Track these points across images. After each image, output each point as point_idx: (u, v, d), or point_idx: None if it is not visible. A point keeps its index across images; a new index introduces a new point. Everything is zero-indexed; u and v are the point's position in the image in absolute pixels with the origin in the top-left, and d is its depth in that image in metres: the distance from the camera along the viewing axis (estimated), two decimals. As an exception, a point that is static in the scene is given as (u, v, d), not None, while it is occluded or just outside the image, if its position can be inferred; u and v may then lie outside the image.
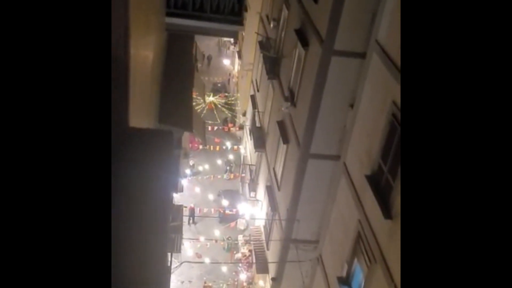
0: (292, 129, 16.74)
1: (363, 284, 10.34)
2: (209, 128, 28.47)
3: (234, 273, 22.51)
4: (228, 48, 40.79)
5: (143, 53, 7.23)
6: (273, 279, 18.25)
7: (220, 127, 30.28)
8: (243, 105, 30.61)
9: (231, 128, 31.75)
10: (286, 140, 17.34)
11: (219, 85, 36.62)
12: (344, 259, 11.36)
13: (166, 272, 10.72)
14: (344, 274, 11.32)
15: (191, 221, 24.61)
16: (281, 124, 18.15)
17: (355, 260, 10.91)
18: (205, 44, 36.77)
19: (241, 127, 30.78)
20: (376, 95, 10.37)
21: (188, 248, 22.04)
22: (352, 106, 12.27)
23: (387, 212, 9.16)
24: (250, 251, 22.50)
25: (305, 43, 15.48)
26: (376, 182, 9.84)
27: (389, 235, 9.25)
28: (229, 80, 37.71)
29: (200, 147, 27.64)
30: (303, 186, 15.87)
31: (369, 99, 10.79)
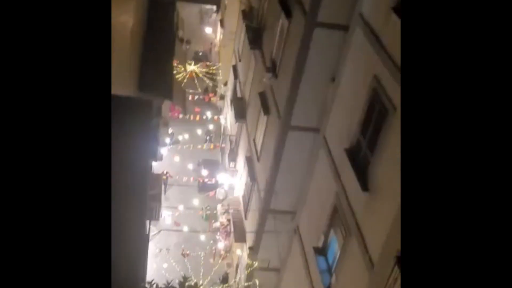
0: (273, 101, 16.72)
1: (338, 254, 10.56)
2: (190, 97, 28.24)
3: (212, 242, 22.72)
4: (211, 17, 40.19)
5: (122, 19, 7.09)
6: (250, 248, 18.49)
7: (200, 97, 30.05)
8: (225, 75, 30.37)
9: (212, 98, 31.55)
10: (266, 111, 17.33)
11: (200, 54, 36.17)
12: (320, 231, 11.55)
13: (144, 240, 10.79)
14: (320, 244, 11.53)
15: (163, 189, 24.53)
16: (262, 95, 18.11)
17: (332, 231, 11.10)
18: (187, 12, 36.16)
19: (222, 97, 30.62)
20: (358, 69, 10.39)
21: (166, 216, 22.12)
22: (333, 79, 12.29)
23: (364, 185, 9.30)
24: (228, 220, 22.68)
25: (288, 14, 15.35)
26: (355, 156, 9.95)
27: (365, 208, 9.41)
28: (210, 49, 37.27)
29: (180, 116, 27.43)
30: (283, 158, 15.96)
31: (351, 73, 10.81)
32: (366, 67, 9.83)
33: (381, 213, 8.70)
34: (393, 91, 8.60)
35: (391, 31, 8.83)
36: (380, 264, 8.40)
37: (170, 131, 27.54)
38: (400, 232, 7.75)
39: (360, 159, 9.75)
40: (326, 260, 11.24)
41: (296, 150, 15.70)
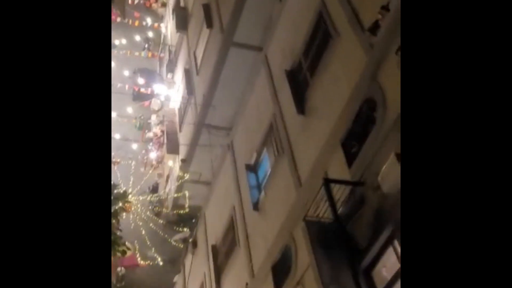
0: (217, 14, 16.29)
1: (269, 172, 10.92)
2: (130, 0, 26.94)
3: (144, 151, 22.72)
4: None
5: None
6: (182, 160, 18.70)
7: (141, 1, 28.71)
8: (168, -19, 29.03)
9: (153, 4, 30.22)
10: (210, 25, 16.92)
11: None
12: (254, 148, 11.81)
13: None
14: (252, 162, 11.83)
15: None
16: (206, 7, 17.56)
17: (264, 149, 11.38)
18: None
19: (164, 5, 29.39)
20: (306, -10, 10.24)
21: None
22: (280, -2, 12.06)
23: (300, 109, 9.48)
24: (162, 131, 22.62)
25: None
26: (294, 78, 10.04)
27: (300, 129, 9.66)
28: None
29: (118, 19, 26.23)
30: (222, 73, 15.87)
31: (299, -7, 10.65)
32: (314, -11, 9.70)
33: (314, 136, 8.99)
34: (338, 17, 8.62)
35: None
36: (308, 183, 8.79)
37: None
38: (329, 155, 8.07)
39: (299, 82, 9.86)
40: (257, 177, 11.61)
41: (236, 67, 15.60)
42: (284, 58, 10.74)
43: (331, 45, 8.76)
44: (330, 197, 6.95)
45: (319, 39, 9.26)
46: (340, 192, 7.18)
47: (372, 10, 7.37)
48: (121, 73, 24.84)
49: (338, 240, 6.91)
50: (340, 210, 7.12)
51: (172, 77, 23.04)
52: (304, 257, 8.12)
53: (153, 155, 22.75)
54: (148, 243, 17.99)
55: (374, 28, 7.37)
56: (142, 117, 23.75)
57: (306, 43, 9.77)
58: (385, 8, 7.06)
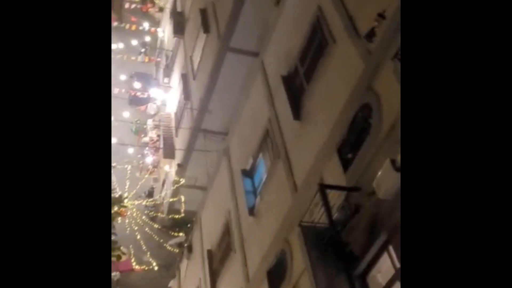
0: (214, 19, 16.36)
1: (265, 177, 10.94)
2: (127, 5, 26.97)
3: (140, 156, 22.69)
4: None
5: None
6: (179, 165, 18.70)
7: (138, 6, 28.75)
8: (165, -14, 29.11)
9: (150, 9, 30.27)
10: (206, 30, 16.97)
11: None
12: (250, 153, 11.84)
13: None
14: (248, 167, 11.86)
15: None
16: (203, 12, 17.63)
17: (260, 155, 11.41)
18: None
19: (161, 9, 29.44)
20: (303, -4, 10.31)
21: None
22: (278, 2, 12.13)
23: (296, 114, 9.53)
24: (158, 136, 22.61)
25: None
26: (290, 84, 10.09)
27: (296, 135, 9.70)
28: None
29: (115, 23, 26.25)
30: (219, 78, 15.91)
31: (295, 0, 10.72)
32: (311, -4, 9.77)
33: (310, 142, 9.03)
34: (335, 23, 8.68)
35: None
36: (303, 189, 8.82)
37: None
38: (324, 160, 8.10)
39: (295, 87, 9.91)
40: (253, 182, 11.63)
41: (233, 72, 15.65)
42: (280, 63, 10.79)
43: (327, 52, 8.82)
44: (326, 203, 6.98)
45: (316, 45, 9.31)
46: (335, 198, 7.22)
47: (369, 17, 7.43)
48: (117, 77, 24.83)
49: (333, 246, 6.93)
50: (335, 215, 7.15)
51: (169, 82, 23.05)
52: (299, 262, 8.14)
53: (149, 159, 22.72)
54: (144, 247, 17.95)
55: (371, 35, 7.44)
56: (138, 122, 23.74)
57: (303, 49, 9.82)
58: (381, 15, 7.12)
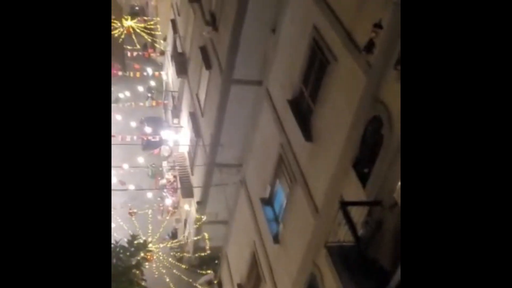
0: (214, 55, 16.55)
1: (284, 203, 10.85)
2: (128, 54, 27.44)
3: (159, 199, 22.70)
4: (146, -31, 38.64)
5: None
6: (198, 202, 18.65)
7: (140, 53, 29.23)
8: (164, 30, 29.60)
9: (152, 54, 30.74)
10: (208, 66, 17.16)
11: (137, 8, 34.94)
12: (267, 181, 11.78)
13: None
14: (267, 195, 11.79)
15: None
16: (203, 50, 17.86)
17: (277, 181, 11.35)
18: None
19: (162, 53, 29.90)
20: (298, 19, 10.41)
21: (112, 175, 21.80)
22: (274, 30, 12.26)
23: (307, 135, 9.50)
24: (174, 177, 22.65)
25: (226, -35, 15.04)
26: (297, 107, 10.10)
27: (309, 156, 9.65)
28: (147, 3, 36.05)
29: (120, 73, 26.68)
30: (227, 111, 15.98)
31: (291, 24, 10.82)
32: (305, 17, 9.86)
33: (324, 161, 8.97)
34: (333, 41, 8.71)
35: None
36: (324, 209, 8.72)
37: (109, 89, 26.88)
38: (342, 178, 8.03)
39: (302, 109, 9.91)
40: (273, 209, 11.54)
41: (240, 103, 15.74)
42: (285, 88, 10.83)
43: (329, 70, 8.84)
44: (349, 220, 6.88)
45: (317, 65, 9.35)
46: (358, 214, 7.11)
47: (365, 29, 7.45)
48: (128, 125, 25.11)
49: (362, 263, 6.80)
50: (360, 232, 7.03)
51: (178, 122, 23.23)
52: (330, 284, 7.99)
53: (168, 201, 22.71)
54: (174, 290, 17.80)
55: (369, 46, 7.43)
56: (153, 165, 23.87)
57: (305, 70, 9.86)
58: (378, 25, 7.13)
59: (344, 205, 7.14)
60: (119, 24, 25.73)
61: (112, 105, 25.77)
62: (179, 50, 23.03)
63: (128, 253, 15.09)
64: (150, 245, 16.82)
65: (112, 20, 21.35)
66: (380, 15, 7.00)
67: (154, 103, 27.10)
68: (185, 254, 20.29)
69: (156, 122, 25.66)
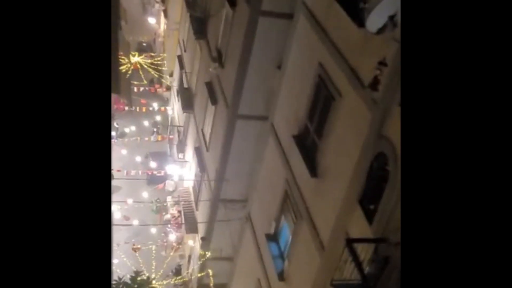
0: (220, 90, 16.69)
1: (290, 240, 10.73)
2: (135, 89, 27.75)
3: (163, 234, 22.53)
4: (153, 6, 39.45)
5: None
6: (202, 238, 18.48)
7: (146, 88, 29.54)
8: (170, 66, 29.99)
9: (158, 89, 31.08)
10: (214, 101, 17.29)
11: (144, 44, 35.53)
12: (272, 217, 11.69)
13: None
14: (272, 231, 11.67)
15: None
16: (209, 85, 18.03)
17: (283, 217, 11.26)
18: (128, 1, 35.34)
19: (168, 88, 30.22)
20: (303, 56, 10.53)
21: (115, 210, 21.73)
22: (279, 67, 12.40)
23: (313, 171, 9.47)
24: (179, 212, 22.53)
25: (232, 3, 15.31)
26: (303, 142, 10.11)
27: (314, 192, 9.60)
28: (154, 39, 36.67)
29: (126, 108, 26.92)
30: (232, 147, 15.99)
31: (297, 60, 10.94)
32: (311, 55, 9.98)
33: (330, 197, 8.91)
34: (338, 78, 8.79)
35: (334, 18, 8.99)
36: (330, 246, 8.62)
37: (115, 124, 27.02)
38: (347, 214, 7.96)
39: (308, 145, 9.92)
40: (278, 246, 11.40)
41: (245, 138, 15.76)
42: (290, 123, 10.87)
43: (334, 106, 8.88)
44: (355, 258, 6.79)
45: (322, 101, 9.40)
46: (364, 252, 7.02)
47: (370, 66, 7.51)
48: (133, 159, 25.19)
49: (370, 302, 6.68)
50: (366, 270, 6.92)
51: (183, 157, 23.26)
52: (337, 323, 7.80)
53: (172, 237, 22.53)
54: (177, 328, 17.46)
55: (374, 83, 7.47)
56: (158, 200, 23.79)
57: (310, 106, 9.91)
58: (383, 63, 7.19)
59: (350, 242, 7.06)
60: (126, 60, 26.06)
61: (118, 139, 25.92)
62: (185, 85, 23.27)
63: (131, 290, 14.87)
64: (153, 281, 16.59)
65: (120, 56, 21.65)
66: (384, 53, 7.07)
67: (159, 138, 27.24)
68: (189, 291, 19.99)
69: (161, 156, 25.73)
